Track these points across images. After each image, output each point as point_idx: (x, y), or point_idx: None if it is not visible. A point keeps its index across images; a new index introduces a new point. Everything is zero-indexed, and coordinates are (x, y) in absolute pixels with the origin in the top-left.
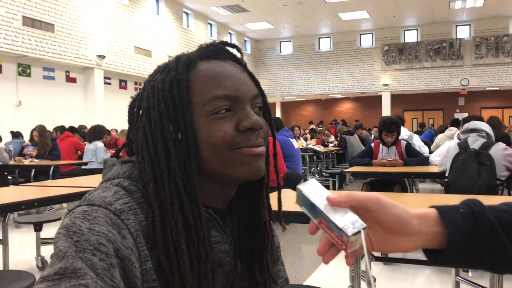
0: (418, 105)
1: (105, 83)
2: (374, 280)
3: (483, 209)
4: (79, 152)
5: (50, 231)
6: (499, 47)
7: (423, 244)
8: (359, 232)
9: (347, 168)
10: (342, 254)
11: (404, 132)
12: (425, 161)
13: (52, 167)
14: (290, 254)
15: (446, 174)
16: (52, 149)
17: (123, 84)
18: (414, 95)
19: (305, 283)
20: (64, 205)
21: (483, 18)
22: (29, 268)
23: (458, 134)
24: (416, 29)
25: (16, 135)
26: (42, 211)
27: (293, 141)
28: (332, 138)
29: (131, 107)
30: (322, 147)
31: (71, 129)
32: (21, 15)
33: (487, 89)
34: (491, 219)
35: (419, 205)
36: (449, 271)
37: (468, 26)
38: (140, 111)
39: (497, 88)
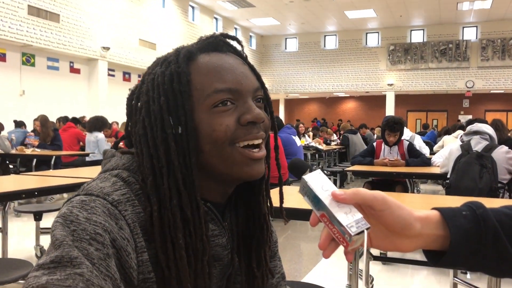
0: (422, 105)
1: (109, 75)
2: (372, 280)
3: (486, 212)
4: (81, 143)
5: (50, 220)
6: (506, 49)
7: (423, 246)
8: (362, 232)
9: (348, 166)
10: (341, 252)
11: (406, 133)
12: (427, 162)
13: (54, 157)
14: (289, 251)
15: (448, 176)
16: (54, 139)
17: (126, 76)
18: (418, 95)
19: (303, 280)
20: (65, 195)
21: (490, 20)
22: (28, 257)
23: (461, 136)
24: (423, 30)
25: (19, 124)
26: (42, 201)
27: (296, 139)
28: (335, 137)
29: (130, 99)
30: (324, 145)
31: (74, 120)
32: (27, 4)
33: (492, 91)
34: (493, 222)
35: (420, 206)
36: (447, 272)
37: (475, 28)
38: (139, 104)
39: (502, 91)
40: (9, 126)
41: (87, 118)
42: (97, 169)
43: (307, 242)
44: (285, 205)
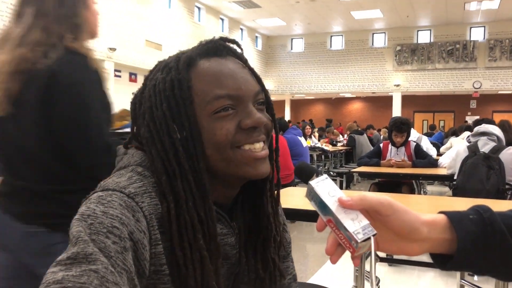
0: (429, 106)
1: (115, 75)
2: (378, 281)
3: (493, 215)
4: None
5: None
6: None
7: (430, 250)
8: (369, 238)
9: (355, 167)
10: (348, 253)
11: (413, 134)
12: (434, 163)
13: None
14: (295, 252)
15: (455, 177)
16: None
17: (133, 77)
18: (425, 96)
19: (309, 282)
20: None
21: (498, 20)
22: None
23: (468, 137)
24: (430, 30)
25: None
26: None
27: (302, 139)
28: (341, 138)
29: (133, 103)
30: (330, 146)
31: None
32: None
33: (499, 92)
34: (501, 226)
35: (426, 207)
36: (454, 274)
37: (483, 28)
38: (142, 109)
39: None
40: None
41: None
42: None
43: (313, 243)
44: (291, 206)
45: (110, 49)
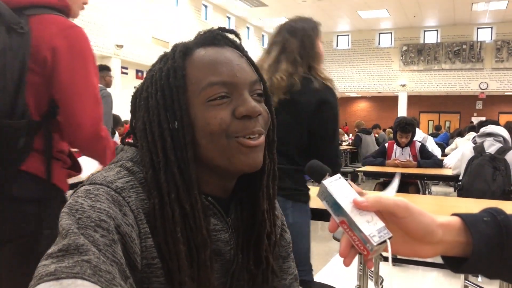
0: (435, 107)
1: (122, 72)
2: (382, 281)
3: (507, 217)
4: None
5: None
6: None
7: (443, 252)
8: (384, 241)
9: (360, 167)
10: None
11: (419, 134)
12: (439, 164)
13: None
14: None
15: (460, 178)
16: None
17: (139, 74)
18: (431, 96)
19: None
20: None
21: (505, 21)
22: None
23: (474, 137)
24: (436, 30)
25: None
26: None
27: None
28: (346, 137)
29: (134, 97)
30: None
31: None
32: None
33: (506, 93)
34: None
35: (432, 207)
36: (458, 275)
37: (490, 29)
38: (138, 100)
39: None
40: None
41: None
42: None
43: (317, 241)
44: None
45: (117, 46)
